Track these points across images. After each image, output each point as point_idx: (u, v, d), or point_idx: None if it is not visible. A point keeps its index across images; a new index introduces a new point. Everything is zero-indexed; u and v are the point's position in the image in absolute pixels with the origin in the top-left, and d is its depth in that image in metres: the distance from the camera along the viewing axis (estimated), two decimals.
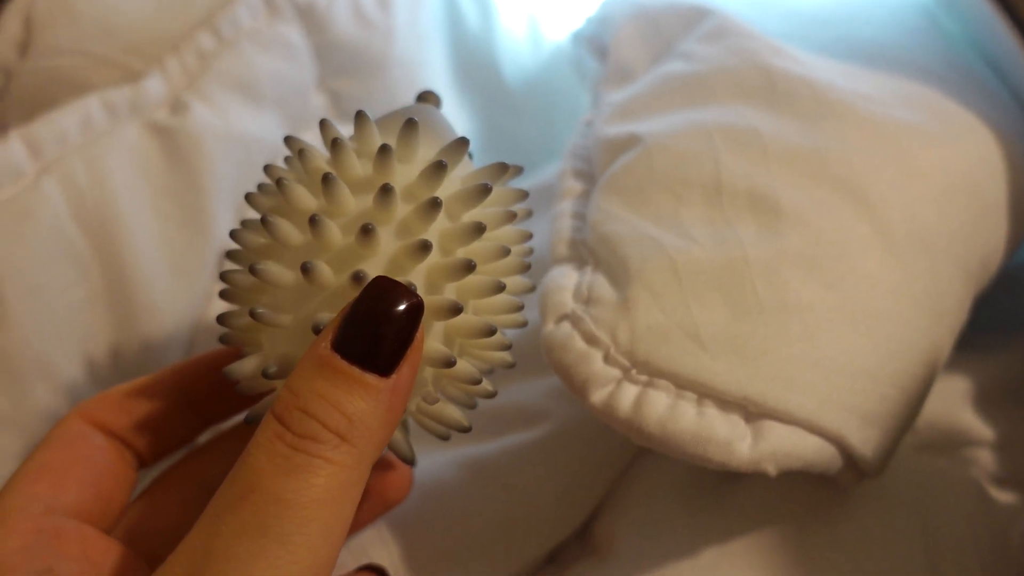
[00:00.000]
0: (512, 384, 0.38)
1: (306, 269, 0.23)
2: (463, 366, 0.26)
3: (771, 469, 0.28)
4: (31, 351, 0.35)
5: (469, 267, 0.24)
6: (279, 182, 0.25)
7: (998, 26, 0.42)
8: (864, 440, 0.30)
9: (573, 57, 0.54)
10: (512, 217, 0.27)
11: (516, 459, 0.36)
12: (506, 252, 0.26)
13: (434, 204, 0.24)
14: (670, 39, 0.42)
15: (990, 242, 0.37)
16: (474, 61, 0.54)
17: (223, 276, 0.26)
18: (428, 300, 0.24)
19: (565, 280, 0.32)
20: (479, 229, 0.25)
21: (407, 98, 0.50)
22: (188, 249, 0.39)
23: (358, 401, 0.21)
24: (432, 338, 0.25)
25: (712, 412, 0.28)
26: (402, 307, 0.22)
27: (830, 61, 0.41)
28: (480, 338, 0.25)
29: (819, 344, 0.29)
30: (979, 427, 0.40)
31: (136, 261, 0.38)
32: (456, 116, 0.54)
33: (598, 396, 0.29)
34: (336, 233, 0.24)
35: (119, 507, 0.27)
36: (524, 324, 0.28)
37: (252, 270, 0.24)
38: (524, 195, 0.28)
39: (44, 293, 0.35)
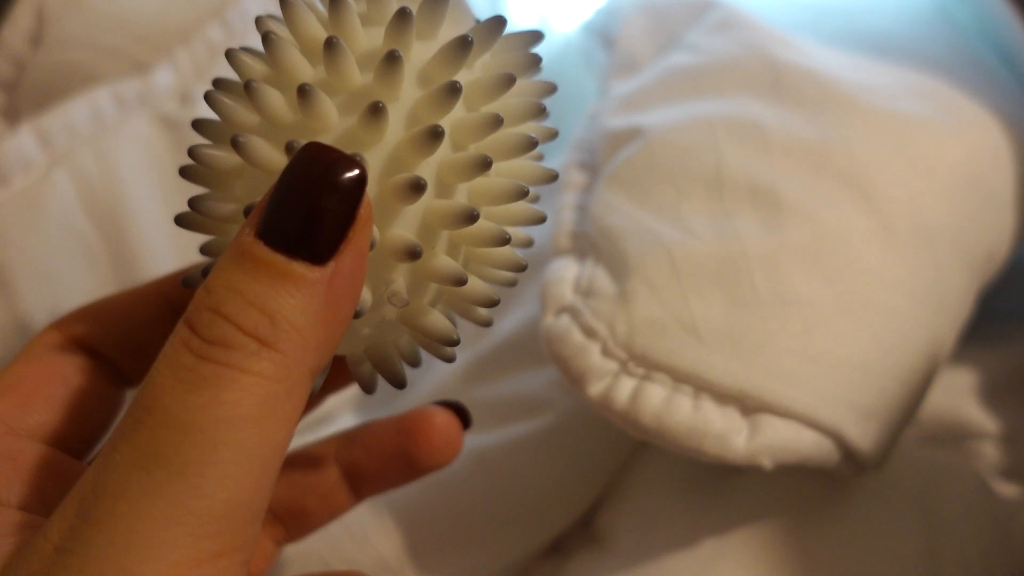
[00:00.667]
0: (514, 374, 0.38)
1: (291, 148, 0.19)
2: (475, 284, 0.22)
3: (767, 463, 0.28)
4: None
5: (486, 163, 0.20)
6: (266, 37, 0.20)
7: (1008, 15, 0.41)
8: (862, 434, 0.30)
9: (583, 49, 0.54)
10: (538, 111, 0.23)
11: (518, 449, 0.36)
12: (532, 144, 0.22)
13: (453, 89, 0.20)
14: (676, 31, 0.42)
15: (995, 235, 0.37)
16: None
17: (191, 151, 0.21)
18: (436, 204, 0.20)
19: (566, 272, 0.32)
20: (498, 122, 0.21)
21: None
22: (197, 240, 0.40)
23: (283, 296, 0.17)
24: (439, 248, 0.21)
25: (708, 405, 0.28)
26: (340, 177, 0.18)
27: (837, 52, 0.41)
28: (493, 247, 0.21)
29: (817, 338, 0.30)
30: (983, 420, 0.40)
31: (145, 251, 0.38)
32: None
33: (595, 388, 0.29)
34: (332, 111, 0.20)
35: (100, 431, 0.24)
36: (544, 219, 0.24)
37: (233, 143, 0.20)
38: (552, 89, 0.24)
39: (54, 282, 0.36)
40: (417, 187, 0.19)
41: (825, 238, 0.31)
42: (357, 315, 0.19)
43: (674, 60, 0.40)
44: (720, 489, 0.36)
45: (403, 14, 0.20)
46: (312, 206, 0.17)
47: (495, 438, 0.37)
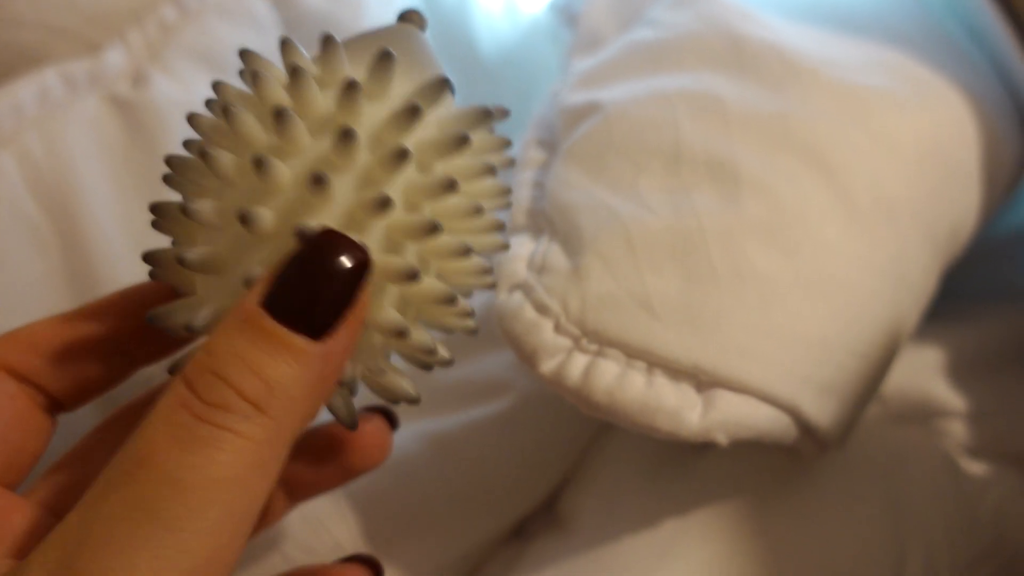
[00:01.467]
0: (474, 356, 0.38)
1: (245, 216, 0.20)
2: (418, 335, 0.23)
3: (722, 439, 0.28)
4: None
5: (434, 228, 0.22)
6: (226, 109, 0.22)
7: None
8: (820, 410, 0.29)
9: (550, 28, 0.53)
10: (490, 171, 0.24)
11: (478, 432, 0.36)
12: (478, 210, 0.23)
13: (401, 155, 0.21)
14: (639, 6, 0.42)
15: (960, 210, 0.36)
16: (450, 33, 0.53)
17: (152, 207, 0.23)
18: (385, 261, 0.21)
19: (520, 249, 0.32)
20: (451, 184, 0.22)
21: None
22: (149, 223, 0.39)
23: (282, 366, 0.18)
24: (386, 303, 0.22)
25: (662, 381, 0.28)
26: (346, 264, 0.19)
27: (801, 26, 0.40)
28: (441, 305, 0.23)
29: (774, 312, 0.29)
30: (951, 398, 0.40)
31: (96, 235, 0.37)
32: None
33: (548, 366, 0.28)
34: (286, 177, 0.21)
35: (30, 459, 0.24)
36: (493, 286, 0.26)
37: (183, 209, 0.21)
38: (506, 144, 0.26)
39: (2, 268, 0.35)
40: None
41: (784, 212, 0.31)
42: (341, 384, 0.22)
43: (636, 35, 0.39)
44: (683, 469, 0.35)
45: (352, 87, 0.21)
46: (319, 287, 0.19)
47: (455, 421, 0.36)
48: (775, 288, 0.29)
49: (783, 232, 0.31)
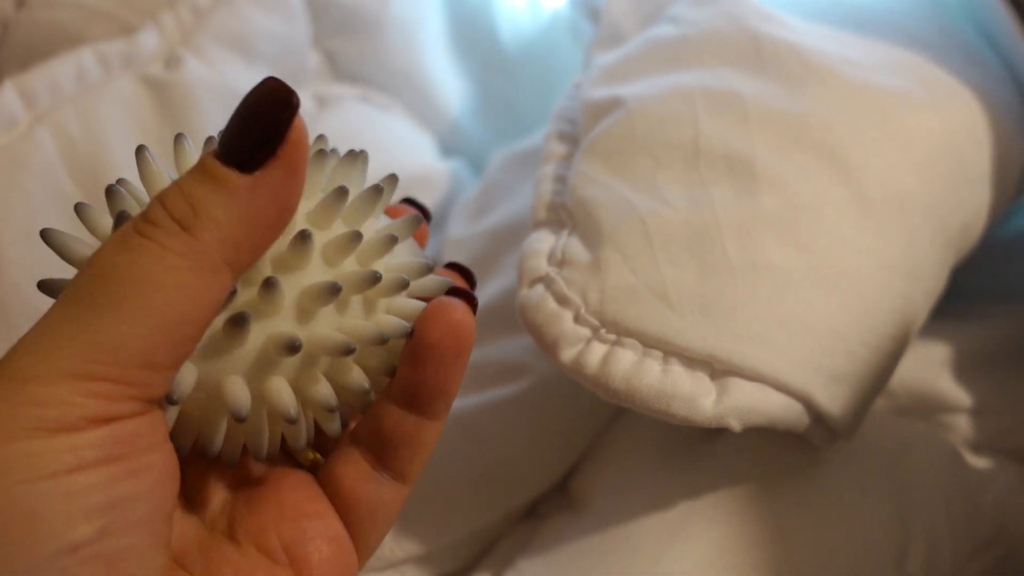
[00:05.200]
0: (493, 340, 0.39)
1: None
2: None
3: (735, 425, 0.29)
4: (21, 296, 0.36)
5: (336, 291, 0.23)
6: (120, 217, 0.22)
7: None
8: (831, 398, 0.30)
9: (570, 22, 0.54)
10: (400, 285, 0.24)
11: (495, 413, 0.37)
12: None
13: (333, 290, 0.22)
14: (661, 3, 0.42)
15: (971, 208, 0.37)
16: (473, 26, 0.54)
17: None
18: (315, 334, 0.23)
19: (541, 244, 0.33)
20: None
21: (403, 60, 0.51)
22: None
23: (209, 193, 0.21)
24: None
25: (677, 369, 0.29)
26: (271, 103, 0.21)
27: (820, 26, 0.41)
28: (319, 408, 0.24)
29: (787, 303, 0.30)
30: (957, 393, 0.40)
31: None
32: (454, 81, 0.54)
33: (568, 354, 0.29)
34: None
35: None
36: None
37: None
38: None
39: (36, 239, 0.36)
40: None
41: (798, 207, 0.32)
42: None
43: (657, 32, 0.40)
44: (695, 454, 0.36)
45: (303, 237, 0.22)
46: (248, 127, 0.21)
47: (473, 402, 0.37)
48: (789, 280, 0.30)
49: (798, 226, 0.31)
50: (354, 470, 0.25)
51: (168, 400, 0.21)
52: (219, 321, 0.22)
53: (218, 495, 0.25)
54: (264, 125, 0.21)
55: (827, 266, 0.31)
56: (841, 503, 0.35)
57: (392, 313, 0.24)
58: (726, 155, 0.33)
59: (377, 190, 0.24)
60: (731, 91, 0.35)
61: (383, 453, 0.25)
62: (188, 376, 0.22)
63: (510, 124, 0.55)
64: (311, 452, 0.26)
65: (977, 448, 0.40)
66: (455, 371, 0.25)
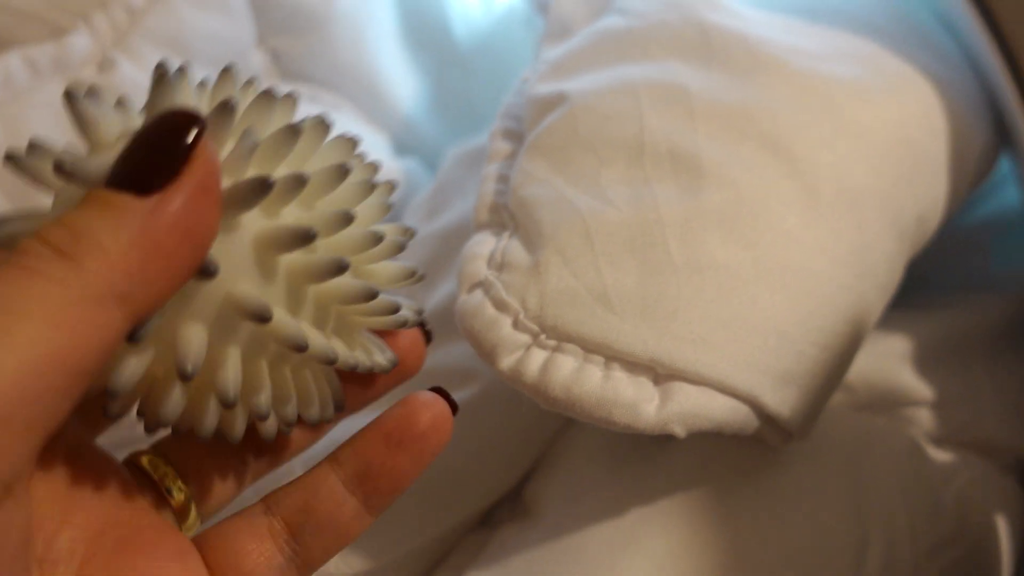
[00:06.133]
0: (440, 346, 0.38)
1: None
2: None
3: (679, 430, 0.28)
4: None
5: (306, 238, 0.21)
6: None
7: None
8: (780, 399, 0.29)
9: (525, 15, 0.53)
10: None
11: None
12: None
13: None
14: None
15: (927, 200, 0.36)
16: (424, 20, 0.53)
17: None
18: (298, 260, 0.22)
19: (481, 248, 0.32)
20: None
21: (351, 57, 0.50)
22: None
23: (95, 219, 0.18)
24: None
25: (619, 375, 0.28)
26: (173, 125, 0.19)
27: (772, 15, 0.40)
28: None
29: (733, 303, 0.29)
30: (918, 387, 0.40)
31: None
32: (406, 78, 0.53)
33: (506, 362, 0.28)
34: None
35: None
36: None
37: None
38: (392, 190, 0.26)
39: None
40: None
41: (744, 202, 0.31)
42: (208, 273, 0.20)
43: (605, 24, 0.39)
44: (649, 459, 0.35)
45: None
46: (146, 151, 0.19)
47: None
48: (734, 278, 0.29)
49: (743, 222, 0.31)
50: (258, 550, 0.23)
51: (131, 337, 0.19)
52: None
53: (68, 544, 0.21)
54: (164, 148, 0.19)
55: (774, 263, 0.30)
56: (798, 504, 0.34)
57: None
58: (670, 151, 0.32)
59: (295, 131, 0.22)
60: (677, 84, 0.34)
61: (303, 536, 0.23)
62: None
63: (466, 121, 0.54)
64: (181, 488, 0.24)
65: (939, 442, 0.39)
66: (422, 468, 0.25)
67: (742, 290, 0.29)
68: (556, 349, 0.28)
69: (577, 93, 0.35)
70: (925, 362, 0.41)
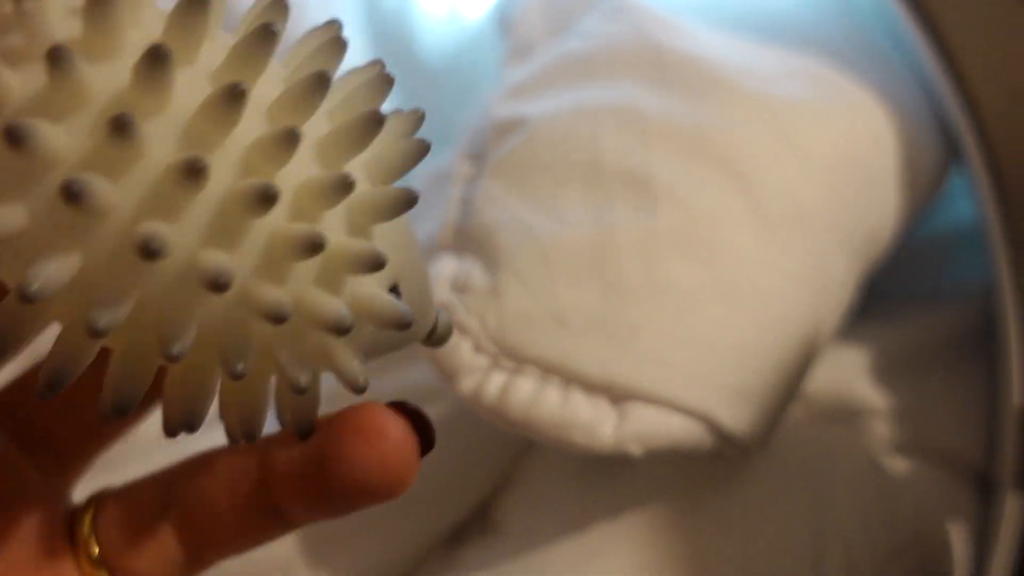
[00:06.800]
0: (406, 365, 0.38)
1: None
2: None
3: (636, 450, 0.28)
4: None
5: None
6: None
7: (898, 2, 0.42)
8: (735, 416, 0.30)
9: (493, 34, 0.53)
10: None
11: None
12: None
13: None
14: (570, 16, 0.42)
15: (878, 217, 0.37)
16: (390, 39, 0.53)
17: None
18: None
19: (444, 270, 0.32)
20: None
21: None
22: None
23: None
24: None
25: (577, 396, 0.28)
26: None
27: (726, 36, 0.41)
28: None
29: (688, 322, 0.30)
30: (875, 397, 0.41)
31: None
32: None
33: (467, 385, 0.29)
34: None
35: None
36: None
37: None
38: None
39: None
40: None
41: (697, 222, 0.32)
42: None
43: (565, 46, 0.40)
44: (613, 475, 0.36)
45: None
46: None
47: None
48: (690, 298, 0.30)
49: (697, 241, 0.31)
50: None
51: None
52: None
53: None
54: None
55: (729, 282, 0.31)
56: (758, 516, 0.35)
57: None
58: (626, 172, 0.33)
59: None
60: (632, 106, 0.35)
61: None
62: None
63: (435, 137, 0.54)
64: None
65: (895, 451, 0.40)
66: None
67: (698, 308, 0.30)
68: (515, 371, 0.29)
69: (536, 116, 0.35)
70: (882, 372, 0.41)
